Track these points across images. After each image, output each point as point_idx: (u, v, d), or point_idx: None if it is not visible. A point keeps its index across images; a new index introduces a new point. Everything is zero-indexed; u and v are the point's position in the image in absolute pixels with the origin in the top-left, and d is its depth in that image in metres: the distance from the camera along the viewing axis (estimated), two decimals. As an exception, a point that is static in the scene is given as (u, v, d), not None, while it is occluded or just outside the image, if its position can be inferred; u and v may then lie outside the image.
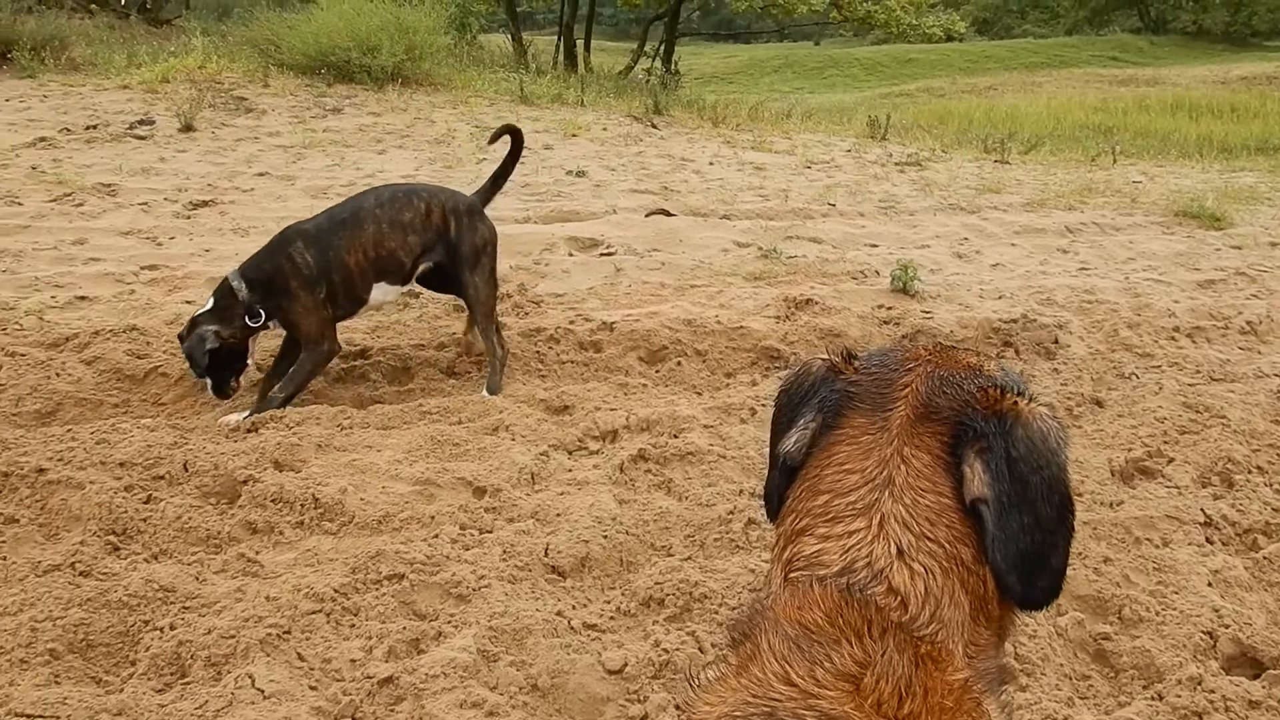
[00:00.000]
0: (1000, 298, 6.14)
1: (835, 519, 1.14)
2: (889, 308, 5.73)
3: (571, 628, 2.57)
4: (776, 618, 1.08)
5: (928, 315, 5.65)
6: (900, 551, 1.10)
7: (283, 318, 4.20)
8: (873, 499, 1.13)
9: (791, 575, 1.14)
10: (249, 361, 4.31)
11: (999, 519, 1.09)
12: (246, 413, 4.07)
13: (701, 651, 2.44)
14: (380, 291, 4.39)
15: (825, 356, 1.30)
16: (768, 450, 3.60)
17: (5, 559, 2.72)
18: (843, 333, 5.19)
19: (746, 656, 1.07)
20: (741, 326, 5.18)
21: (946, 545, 1.10)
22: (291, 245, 4.20)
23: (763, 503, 1.32)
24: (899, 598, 1.07)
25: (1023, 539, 1.09)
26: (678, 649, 2.42)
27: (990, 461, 1.11)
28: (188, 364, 4.13)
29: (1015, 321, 5.54)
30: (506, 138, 4.91)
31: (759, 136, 12.21)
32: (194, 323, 4.12)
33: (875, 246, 7.28)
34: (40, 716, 2.07)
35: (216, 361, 4.11)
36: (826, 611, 1.06)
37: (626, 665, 2.38)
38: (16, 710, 2.08)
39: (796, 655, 1.03)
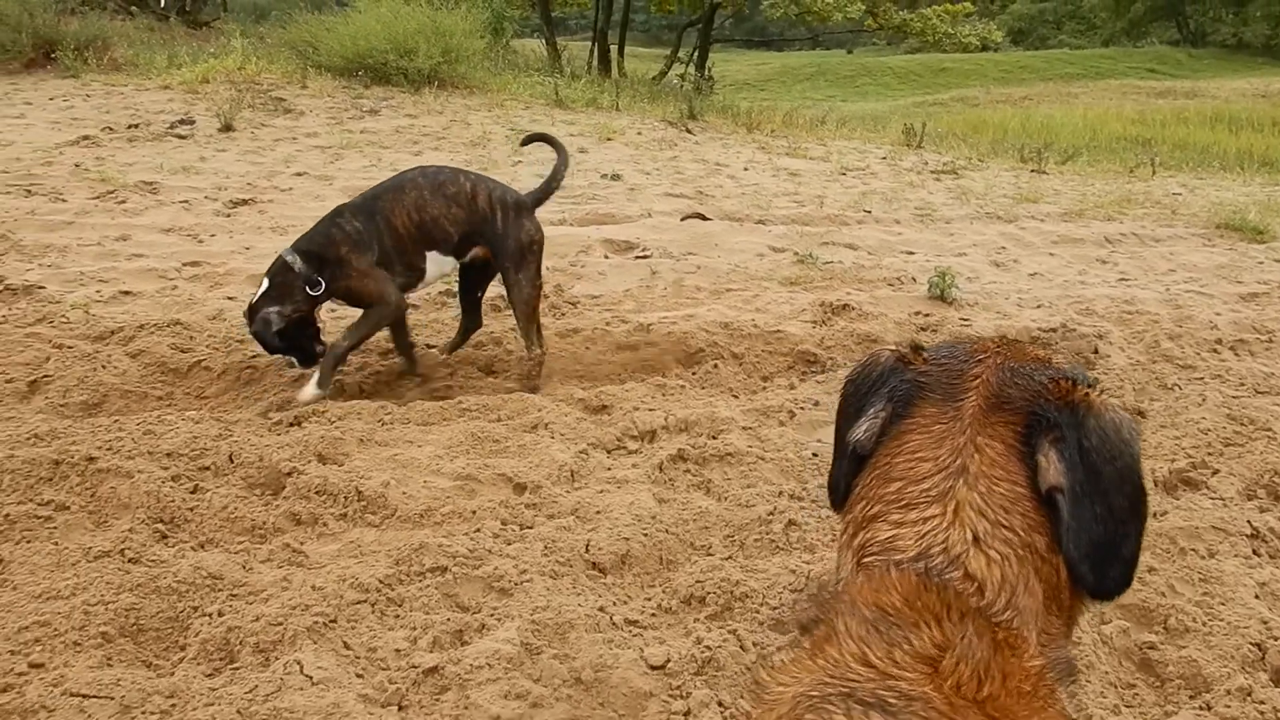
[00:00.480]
0: (1039, 306, 6.10)
1: (909, 505, 1.15)
2: (926, 314, 5.70)
3: (613, 623, 2.58)
4: (853, 601, 1.08)
5: (966, 323, 5.62)
6: (976, 538, 1.10)
7: (342, 288, 4.24)
8: (947, 486, 1.14)
9: (865, 560, 1.14)
10: (320, 325, 4.38)
11: (1073, 508, 1.09)
12: (313, 380, 4.15)
13: (744, 650, 2.44)
14: (434, 263, 4.41)
15: (894, 347, 1.30)
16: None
17: (57, 544, 2.76)
18: (880, 338, 5.17)
19: (822, 638, 1.07)
20: (778, 331, 5.17)
21: (1021, 533, 1.11)
22: (339, 216, 4.28)
23: (827, 492, 1.32)
24: (975, 583, 1.08)
25: (1095, 528, 1.10)
26: (720, 646, 2.42)
27: (1064, 451, 1.12)
28: (263, 349, 4.19)
29: (1054, 330, 5.50)
30: (549, 146, 4.94)
31: (793, 143, 12.20)
32: (253, 309, 4.17)
33: (911, 253, 7.26)
34: (95, 696, 2.10)
35: (288, 337, 4.17)
36: (904, 595, 1.06)
37: (669, 661, 2.39)
38: (71, 690, 2.11)
39: (874, 637, 1.03)
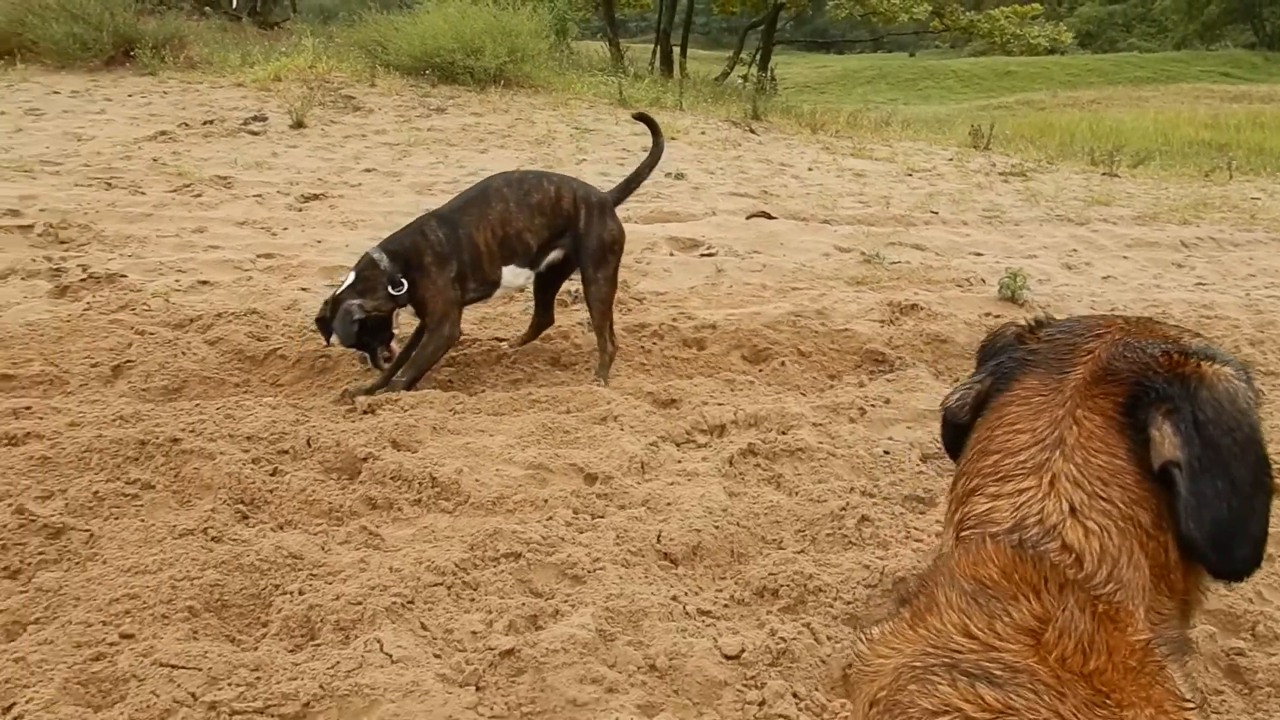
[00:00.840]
0: (1112, 310, 5.98)
1: (1005, 478, 1.13)
2: (997, 316, 5.62)
3: (686, 613, 2.58)
4: (951, 573, 1.08)
5: (1037, 324, 5.52)
6: (1073, 509, 1.08)
7: (415, 294, 4.28)
8: (1043, 458, 1.12)
9: (963, 534, 1.13)
10: (394, 332, 4.44)
11: (1192, 484, 1.06)
12: (368, 385, 4.21)
13: (818, 643, 2.43)
14: (510, 274, 4.45)
15: (1021, 322, 1.28)
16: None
17: (144, 521, 2.83)
18: (949, 339, 5.10)
19: (922, 609, 1.07)
20: (846, 329, 5.13)
21: (1121, 506, 1.08)
22: (426, 224, 4.33)
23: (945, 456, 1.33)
24: (1073, 555, 1.06)
25: (1218, 505, 1.06)
26: (795, 638, 2.41)
27: (1179, 424, 1.08)
28: (339, 339, 4.25)
29: (1129, 333, 5.38)
30: (647, 142, 4.94)
31: (858, 143, 12.10)
32: (336, 300, 4.23)
33: (980, 255, 7.16)
34: (183, 667, 2.15)
35: (364, 333, 4.23)
36: (1001, 567, 1.05)
37: (744, 651, 2.38)
38: (161, 660, 2.17)
39: (975, 609, 1.02)
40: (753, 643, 2.41)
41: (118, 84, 11.85)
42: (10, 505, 2.76)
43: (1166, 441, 1.08)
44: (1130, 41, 59.25)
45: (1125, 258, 7.46)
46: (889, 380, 4.55)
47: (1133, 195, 10.25)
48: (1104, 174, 11.75)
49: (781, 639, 2.41)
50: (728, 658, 2.37)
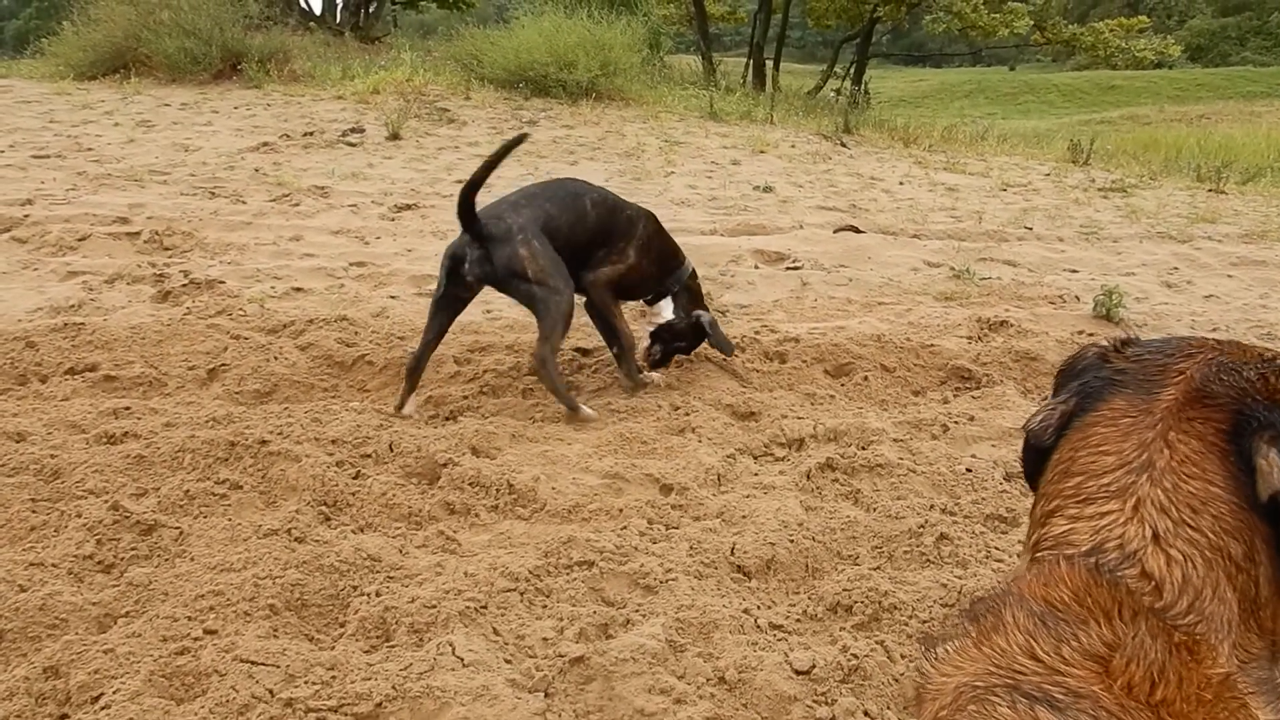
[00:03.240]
0: (1214, 330, 5.76)
1: (1086, 500, 1.09)
2: (1090, 334, 5.46)
3: (758, 626, 2.55)
4: (1021, 593, 1.04)
5: (1134, 344, 5.35)
6: (1156, 536, 1.04)
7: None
8: (1128, 481, 1.08)
9: (1038, 555, 1.10)
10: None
11: None
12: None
13: (891, 660, 2.38)
14: None
15: (1104, 341, 1.24)
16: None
17: (231, 520, 2.92)
18: (1040, 356, 4.97)
19: (988, 628, 1.04)
20: (932, 345, 5.04)
21: (1210, 535, 1.03)
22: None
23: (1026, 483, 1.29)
24: (1153, 582, 1.02)
25: None
26: (868, 655, 2.37)
27: None
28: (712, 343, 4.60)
29: (1232, 355, 5.18)
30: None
31: (952, 158, 11.90)
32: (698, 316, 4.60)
33: (1075, 272, 6.97)
34: (262, 664, 2.21)
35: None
36: (1073, 590, 1.02)
37: (815, 667, 2.35)
38: (242, 656, 2.23)
39: (1042, 631, 0.99)
40: (824, 659, 2.37)
41: (224, 96, 12.31)
42: (107, 502, 2.87)
43: (1275, 472, 1.03)
44: (1244, 55, 57.11)
45: (1230, 276, 7.18)
46: (974, 397, 4.45)
47: (1240, 213, 9.86)
48: (1210, 190, 11.34)
49: (854, 656, 2.37)
50: (798, 673, 2.34)
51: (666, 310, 4.66)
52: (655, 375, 4.59)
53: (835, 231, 7.58)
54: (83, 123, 10.45)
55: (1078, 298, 6.19)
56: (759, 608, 2.65)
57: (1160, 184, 11.71)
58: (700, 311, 4.63)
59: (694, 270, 4.74)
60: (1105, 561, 1.04)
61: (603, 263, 4.37)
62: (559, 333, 3.98)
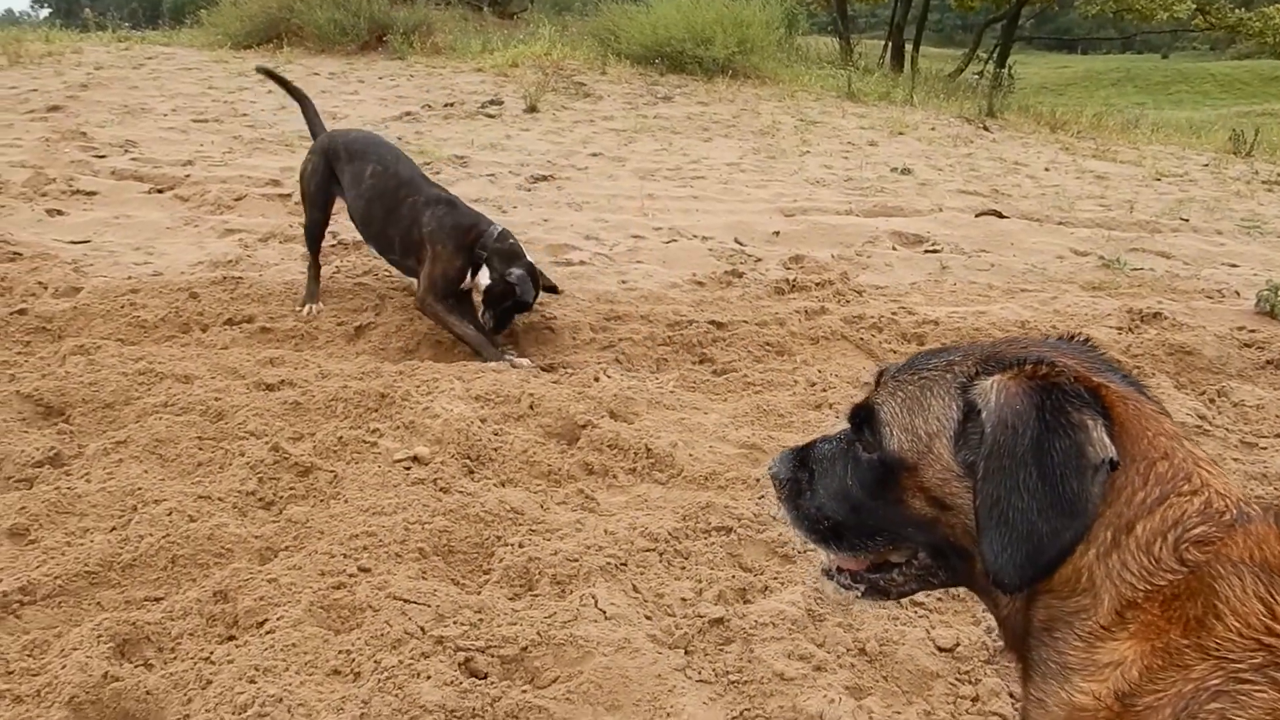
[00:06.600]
0: (1391, 332, 5.38)
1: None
2: (1252, 330, 5.17)
3: (899, 602, 2.51)
4: (1224, 565, 1.00)
5: (1301, 342, 5.05)
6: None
7: None
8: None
9: (1194, 532, 1.05)
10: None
11: None
12: None
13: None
14: None
15: None
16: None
17: (380, 467, 3.02)
18: (1196, 350, 4.74)
19: (1194, 619, 0.99)
20: (1079, 334, 4.85)
21: None
22: None
23: None
24: None
25: None
26: (1016, 640, 2.31)
27: None
28: None
29: None
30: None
31: (1101, 145, 11.42)
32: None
33: (1235, 266, 6.61)
34: (414, 602, 2.28)
35: None
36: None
37: (959, 645, 2.30)
38: (395, 594, 2.31)
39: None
40: (968, 638, 2.32)
41: (370, 67, 12.68)
42: (268, 443, 3.00)
43: None
44: None
45: None
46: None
47: None
48: (1387, 187, 10.60)
49: (998, 637, 2.31)
50: (941, 650, 2.30)
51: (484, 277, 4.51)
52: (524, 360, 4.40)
53: (977, 215, 7.37)
54: (238, 89, 10.91)
55: (1238, 293, 5.87)
56: (900, 584, 2.61)
57: (1330, 179, 11.01)
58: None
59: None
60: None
61: None
62: None
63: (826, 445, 1.41)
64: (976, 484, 1.13)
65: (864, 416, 1.31)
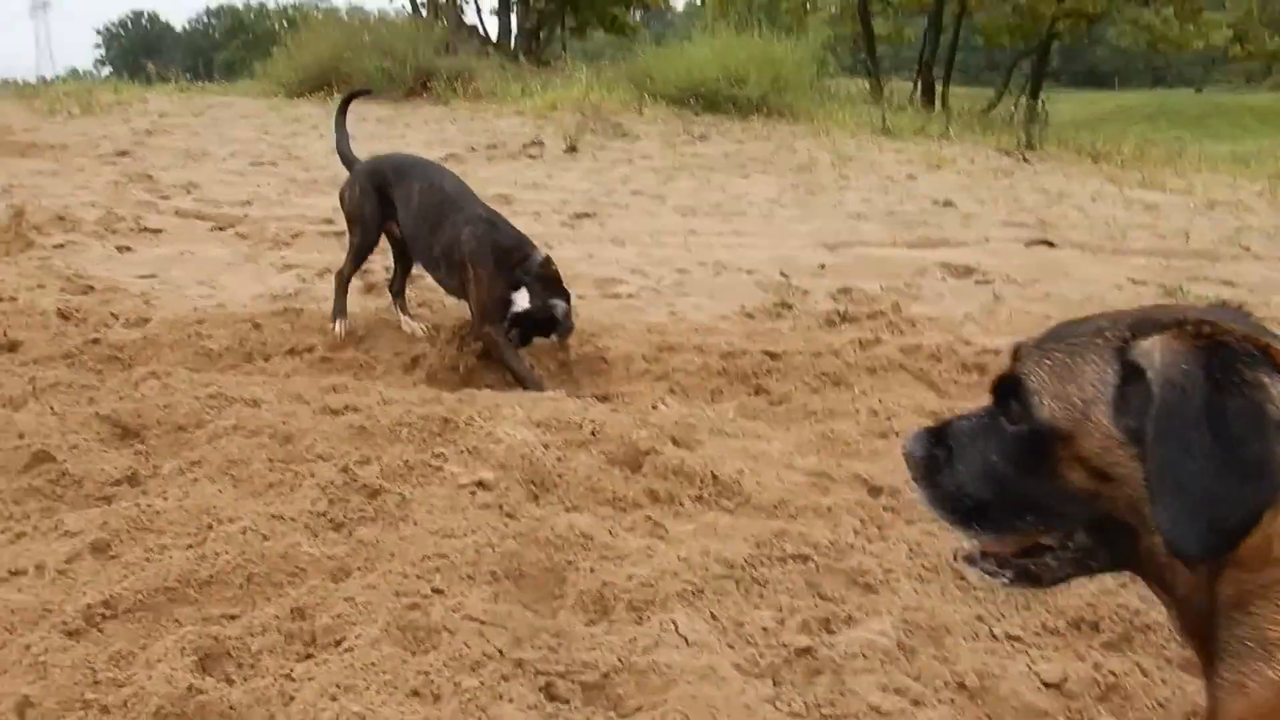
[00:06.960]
0: None
1: None
2: (1324, 356, 5.03)
3: (993, 635, 2.40)
4: None
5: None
6: None
7: None
8: None
9: None
10: None
11: None
12: None
13: (1153, 684, 2.19)
14: None
15: None
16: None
17: (448, 491, 2.96)
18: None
19: None
20: (1145, 362, 4.74)
21: None
22: None
23: None
24: None
25: None
26: (1126, 674, 2.19)
27: None
28: None
29: None
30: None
31: (1147, 174, 11.28)
32: None
33: (1304, 293, 6.47)
34: (491, 624, 2.21)
35: None
36: None
37: (1066, 680, 2.18)
38: (471, 615, 2.24)
39: None
40: (1075, 673, 2.21)
41: (416, 111, 12.88)
42: (337, 465, 2.96)
43: None
44: None
45: None
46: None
47: None
48: None
49: (1111, 673, 2.20)
50: (1046, 685, 2.18)
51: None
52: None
53: (1028, 245, 7.27)
54: (292, 134, 11.13)
55: (1305, 320, 5.73)
56: (991, 616, 2.50)
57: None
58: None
59: None
60: None
61: None
62: None
63: (965, 422, 1.32)
64: (1143, 451, 1.05)
65: (1009, 387, 1.23)
